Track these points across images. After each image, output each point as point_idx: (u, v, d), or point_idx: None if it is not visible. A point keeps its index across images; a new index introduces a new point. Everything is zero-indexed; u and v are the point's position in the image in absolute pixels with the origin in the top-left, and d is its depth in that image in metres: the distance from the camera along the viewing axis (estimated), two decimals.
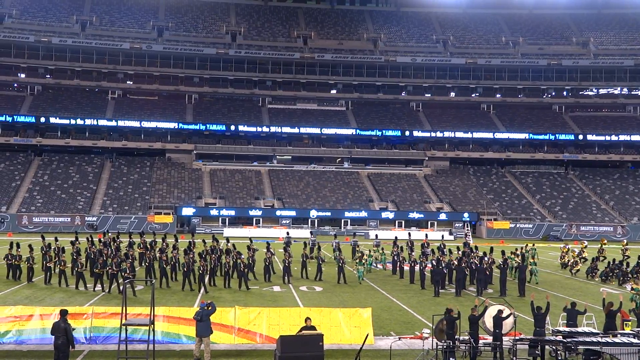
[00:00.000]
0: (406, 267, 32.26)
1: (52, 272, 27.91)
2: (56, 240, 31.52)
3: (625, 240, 50.14)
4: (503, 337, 16.38)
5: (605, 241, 46.98)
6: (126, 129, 77.69)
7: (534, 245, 43.87)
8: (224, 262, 28.50)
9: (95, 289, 25.92)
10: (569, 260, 38.12)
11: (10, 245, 29.34)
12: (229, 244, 31.98)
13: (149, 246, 32.52)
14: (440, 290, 26.89)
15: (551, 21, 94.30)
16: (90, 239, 33.51)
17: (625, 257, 34.07)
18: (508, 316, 16.78)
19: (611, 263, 34.15)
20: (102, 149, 77.50)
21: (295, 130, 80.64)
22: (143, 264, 29.93)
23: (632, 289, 22.58)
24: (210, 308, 16.52)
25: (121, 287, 24.29)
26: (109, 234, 36.86)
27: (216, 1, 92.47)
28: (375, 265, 36.33)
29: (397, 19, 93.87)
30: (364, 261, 32.22)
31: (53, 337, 14.74)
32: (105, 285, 25.96)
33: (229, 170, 76.20)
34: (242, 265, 27.28)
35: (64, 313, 15.02)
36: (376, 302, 24.50)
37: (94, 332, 17.31)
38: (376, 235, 46.39)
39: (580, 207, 73.40)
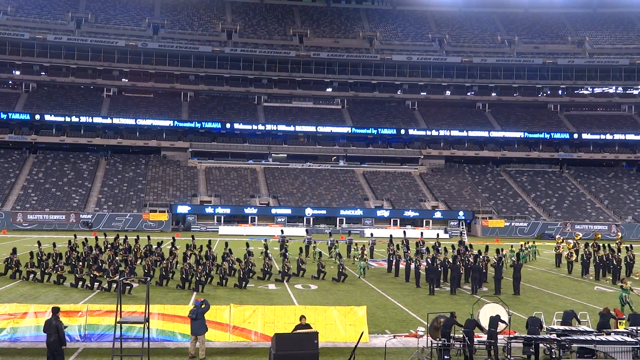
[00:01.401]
0: (402, 265, 32.28)
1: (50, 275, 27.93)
2: (54, 246, 31.45)
3: (620, 234, 50.38)
4: (497, 335, 16.42)
5: (600, 235, 47.36)
6: (121, 127, 77.56)
7: (534, 243, 44.20)
8: (221, 267, 28.30)
9: (93, 287, 25.94)
10: (561, 253, 38.51)
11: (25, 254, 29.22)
12: (226, 249, 32.08)
13: (145, 250, 32.56)
14: (435, 289, 26.92)
15: (547, 20, 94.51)
16: (86, 243, 33.37)
17: (618, 252, 34.35)
18: (504, 321, 16.86)
19: (602, 248, 34.33)
20: (97, 146, 77.31)
21: (291, 128, 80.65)
22: (142, 268, 29.85)
23: (622, 288, 22.68)
24: (204, 306, 16.53)
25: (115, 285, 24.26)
26: (106, 237, 36.77)
27: None
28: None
29: (393, 17, 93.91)
30: (365, 256, 32.39)
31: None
32: (103, 282, 25.95)
33: (225, 168, 76.15)
34: (241, 272, 27.22)
35: (55, 311, 14.98)
36: (371, 300, 24.53)
37: (89, 329, 17.27)
38: (371, 234, 46.29)
39: (575, 205, 73.60)
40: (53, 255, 28.74)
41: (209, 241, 35.04)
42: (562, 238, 42.98)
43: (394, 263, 33.12)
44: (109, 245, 33.63)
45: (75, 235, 36.28)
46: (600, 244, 37.90)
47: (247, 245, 34.10)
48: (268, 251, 32.41)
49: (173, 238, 36.46)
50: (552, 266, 38.96)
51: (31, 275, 27.79)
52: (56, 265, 27.48)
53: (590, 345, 15.46)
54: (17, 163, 72.41)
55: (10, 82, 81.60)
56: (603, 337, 15.81)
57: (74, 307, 18.06)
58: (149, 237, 36.55)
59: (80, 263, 27.56)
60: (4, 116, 74.34)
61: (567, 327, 17.10)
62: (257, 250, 39.58)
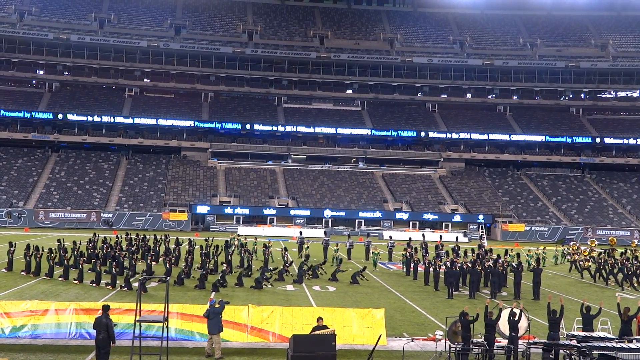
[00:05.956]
0: (420, 269, 32.15)
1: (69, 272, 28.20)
2: (74, 244, 31.73)
3: (635, 242, 49.85)
4: (518, 341, 16.29)
5: (615, 241, 46.92)
6: (142, 127, 78.16)
7: (569, 247, 43.86)
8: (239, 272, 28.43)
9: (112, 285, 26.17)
10: (576, 260, 38.17)
11: (35, 247, 29.60)
12: (243, 248, 32.23)
13: (163, 248, 32.83)
14: (454, 292, 26.77)
15: (570, 23, 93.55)
16: (106, 242, 33.62)
17: (633, 259, 33.96)
18: (520, 318, 16.66)
19: (609, 256, 33.96)
20: (118, 146, 77.98)
21: (311, 129, 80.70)
22: (162, 265, 30.08)
23: None
24: (218, 306, 16.60)
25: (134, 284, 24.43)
26: (126, 236, 37.05)
27: (233, 0, 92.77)
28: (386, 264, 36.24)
29: (414, 19, 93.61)
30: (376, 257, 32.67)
31: (95, 331, 14.83)
32: (118, 280, 26.14)
33: (244, 168, 76.40)
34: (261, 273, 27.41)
35: (106, 309, 15.14)
36: (389, 303, 24.44)
37: None
38: (390, 237, 46.16)
39: (597, 210, 72.75)
40: (74, 251, 29.04)
41: (225, 243, 35.15)
42: (577, 245, 42.55)
43: (412, 266, 33.00)
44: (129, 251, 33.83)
45: (95, 234, 36.62)
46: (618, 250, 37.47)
47: (266, 246, 34.08)
48: (286, 252, 32.44)
49: (190, 239, 36.63)
50: (574, 271, 38.56)
51: (53, 272, 28.06)
52: (78, 263, 27.75)
53: (612, 353, 15.25)
54: (39, 162, 73.29)
55: (34, 81, 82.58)
56: (624, 344, 15.59)
57: (94, 305, 18.21)
58: (166, 235, 36.72)
59: (100, 260, 27.77)
60: (27, 115, 75.28)
61: (587, 334, 16.91)
62: (276, 251, 39.65)
